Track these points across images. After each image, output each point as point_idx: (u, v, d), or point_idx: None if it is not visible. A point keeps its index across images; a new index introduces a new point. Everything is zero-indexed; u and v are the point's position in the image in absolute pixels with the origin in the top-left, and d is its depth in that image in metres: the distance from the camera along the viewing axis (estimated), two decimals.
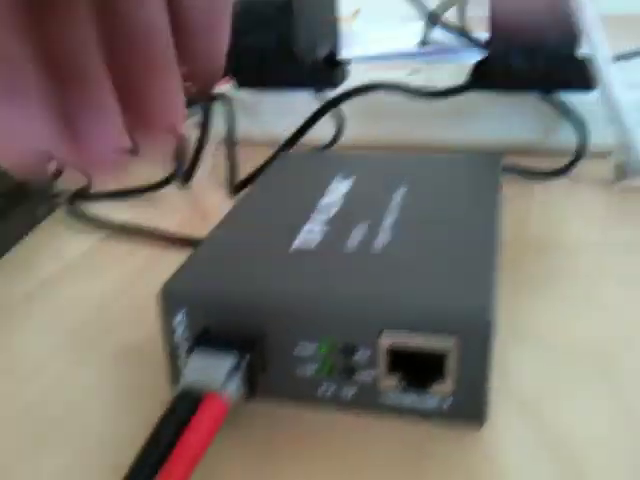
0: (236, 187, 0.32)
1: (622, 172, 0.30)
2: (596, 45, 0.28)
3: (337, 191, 0.23)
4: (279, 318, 0.17)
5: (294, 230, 0.20)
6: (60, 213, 0.31)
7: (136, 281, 0.25)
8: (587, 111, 0.32)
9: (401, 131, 0.35)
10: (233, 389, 0.16)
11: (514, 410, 0.18)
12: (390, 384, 0.17)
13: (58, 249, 0.28)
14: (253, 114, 0.37)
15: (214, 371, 0.16)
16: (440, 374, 0.17)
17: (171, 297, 0.18)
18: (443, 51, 0.48)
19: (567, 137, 0.33)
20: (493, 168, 0.24)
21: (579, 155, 0.31)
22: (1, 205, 0.28)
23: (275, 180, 0.25)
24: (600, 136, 0.32)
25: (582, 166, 0.32)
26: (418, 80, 0.37)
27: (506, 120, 0.34)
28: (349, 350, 0.17)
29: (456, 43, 0.44)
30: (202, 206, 0.32)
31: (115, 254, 0.28)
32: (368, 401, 0.17)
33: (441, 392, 0.17)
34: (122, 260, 0.27)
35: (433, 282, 0.17)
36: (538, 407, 0.18)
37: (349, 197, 0.22)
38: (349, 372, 0.17)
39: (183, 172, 0.33)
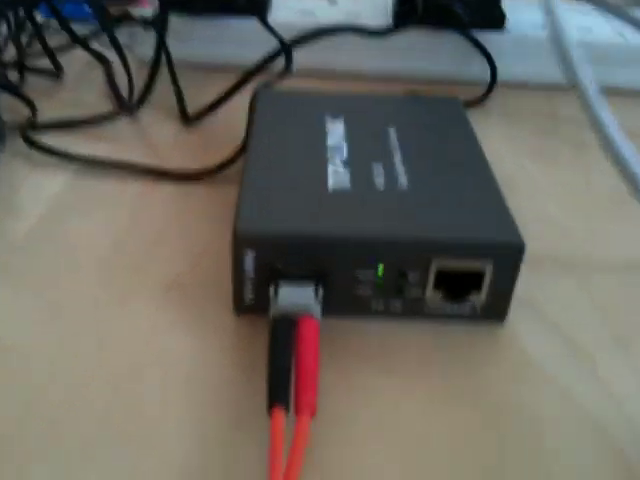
0: (192, 117, 0.33)
1: None
2: None
3: (336, 132, 0.26)
4: (343, 253, 0.20)
5: (322, 171, 0.23)
6: (12, 147, 0.30)
7: (138, 217, 0.26)
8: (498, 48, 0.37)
9: (336, 62, 0.38)
10: (318, 312, 0.20)
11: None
12: (434, 297, 0.21)
13: (34, 187, 0.28)
14: (184, 40, 0.37)
15: (302, 299, 0.19)
16: (477, 288, 0.21)
17: (242, 240, 0.20)
18: None
19: (481, 71, 0.37)
20: (458, 109, 0.28)
21: (491, 87, 0.36)
22: None
23: (271, 120, 0.26)
24: (509, 71, 0.37)
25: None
26: (338, 10, 0.40)
27: (428, 54, 0.38)
28: (402, 273, 0.21)
29: None
30: (156, 138, 0.32)
31: (99, 190, 0.28)
32: (415, 311, 0.21)
33: (477, 301, 0.21)
34: (112, 196, 0.28)
35: (467, 214, 0.21)
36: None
37: (350, 138, 0.25)
38: (400, 290, 0.21)
39: (133, 101, 0.33)
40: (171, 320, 0.22)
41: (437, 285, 0.21)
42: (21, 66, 0.35)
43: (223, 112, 0.34)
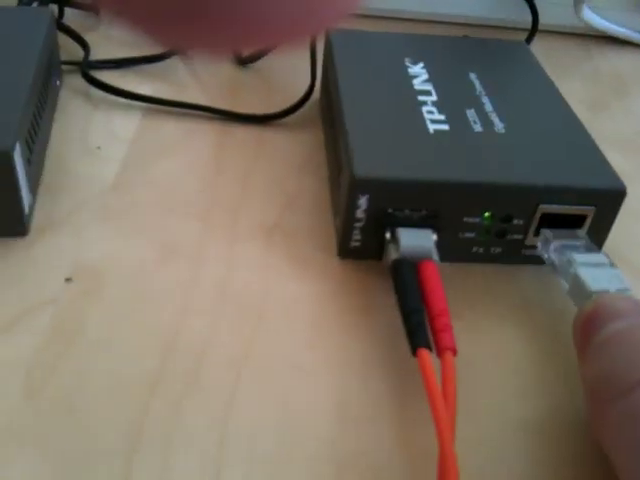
0: (247, 59, 0.32)
1: None
2: None
3: (420, 76, 0.26)
4: (456, 198, 0.21)
5: (418, 114, 0.23)
6: (69, 84, 0.30)
7: (220, 160, 0.26)
8: None
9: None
10: (437, 256, 0.20)
11: None
12: (535, 241, 0.22)
13: (104, 128, 0.27)
14: None
15: (422, 243, 0.20)
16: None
17: (359, 185, 0.20)
18: None
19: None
20: (528, 53, 0.28)
21: (533, 31, 0.36)
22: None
23: (352, 62, 0.26)
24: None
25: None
26: None
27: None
28: (507, 218, 0.21)
29: None
30: (213, 78, 0.31)
31: (172, 132, 0.27)
32: (515, 255, 0.22)
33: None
34: (187, 139, 0.27)
35: (567, 159, 0.22)
36: None
37: (435, 82, 0.25)
38: (503, 234, 0.22)
39: None
40: (280, 264, 0.22)
41: (539, 228, 0.22)
42: (60, 1, 0.34)
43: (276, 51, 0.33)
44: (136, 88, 0.29)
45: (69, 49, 0.32)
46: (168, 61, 0.32)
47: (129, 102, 0.29)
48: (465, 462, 0.17)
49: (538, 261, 0.22)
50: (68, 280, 0.21)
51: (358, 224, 0.21)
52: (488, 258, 0.22)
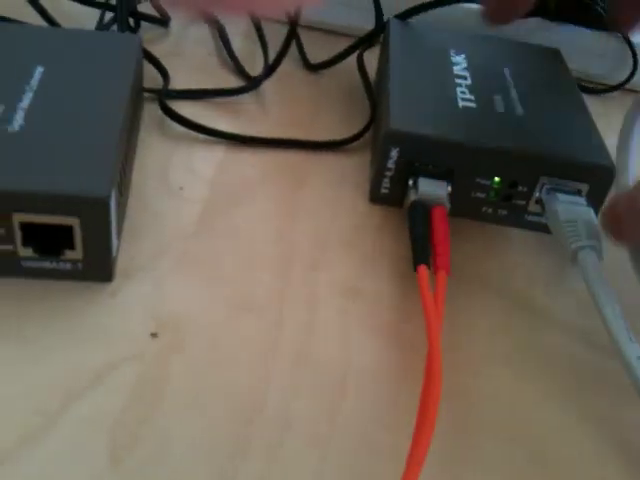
0: (318, 65, 0.35)
1: None
2: None
3: (461, 64, 0.30)
4: (469, 157, 0.25)
5: (451, 91, 0.28)
6: (149, 117, 0.29)
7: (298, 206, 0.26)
8: None
9: None
10: (448, 204, 0.24)
11: None
12: (537, 208, 0.26)
13: (186, 164, 0.27)
14: None
15: (437, 191, 0.24)
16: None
17: (391, 137, 0.25)
18: None
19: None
20: (559, 57, 0.32)
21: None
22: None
23: (404, 46, 0.31)
24: None
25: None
26: None
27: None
28: (513, 184, 0.25)
29: None
30: (283, 111, 0.31)
31: (253, 170, 0.28)
32: (518, 218, 0.26)
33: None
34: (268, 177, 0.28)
35: (571, 142, 0.26)
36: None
37: (472, 71, 0.30)
38: (509, 198, 0.26)
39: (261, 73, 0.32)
40: (360, 331, 0.22)
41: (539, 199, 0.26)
42: (136, 14, 0.34)
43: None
44: (212, 122, 0.29)
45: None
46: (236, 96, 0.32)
47: (208, 137, 0.29)
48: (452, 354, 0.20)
49: (539, 228, 0.26)
50: (154, 335, 0.21)
51: (388, 173, 0.26)
52: (495, 219, 0.26)
